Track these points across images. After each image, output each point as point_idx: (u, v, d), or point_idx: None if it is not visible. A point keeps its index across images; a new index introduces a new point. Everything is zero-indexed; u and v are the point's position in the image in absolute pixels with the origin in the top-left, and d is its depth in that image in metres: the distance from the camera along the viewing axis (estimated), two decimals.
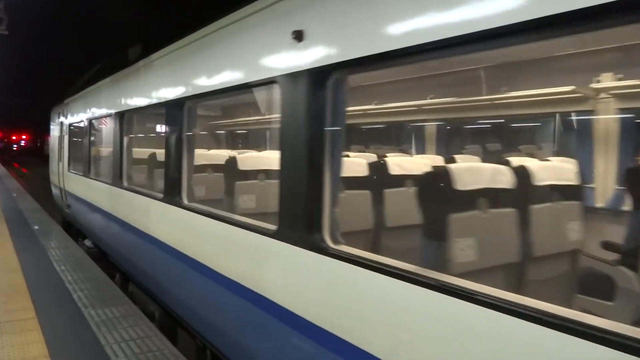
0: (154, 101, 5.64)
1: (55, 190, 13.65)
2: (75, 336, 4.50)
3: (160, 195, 5.19)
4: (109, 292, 5.83)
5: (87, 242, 9.36)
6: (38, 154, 73.10)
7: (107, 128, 8.32)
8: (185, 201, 4.67)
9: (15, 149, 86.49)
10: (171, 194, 4.89)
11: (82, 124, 9.88)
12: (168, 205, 4.95)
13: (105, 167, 8.24)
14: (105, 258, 8.06)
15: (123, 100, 6.96)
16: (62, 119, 12.39)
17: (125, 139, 6.88)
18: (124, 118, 6.82)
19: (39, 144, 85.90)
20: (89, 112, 9.29)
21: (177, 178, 4.74)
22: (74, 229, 10.89)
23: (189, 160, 4.76)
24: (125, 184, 6.68)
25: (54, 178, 13.82)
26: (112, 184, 7.09)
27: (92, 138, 9.16)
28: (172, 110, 4.95)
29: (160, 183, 5.62)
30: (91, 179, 8.76)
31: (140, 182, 7.05)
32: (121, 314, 5.07)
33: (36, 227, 9.92)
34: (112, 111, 7.31)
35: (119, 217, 6.73)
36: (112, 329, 4.67)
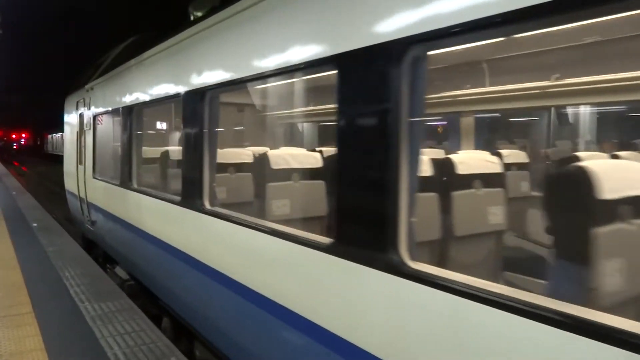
0: (309, 56, 2.89)
1: (72, 200, 10.56)
2: (70, 330, 4.58)
3: (323, 242, 2.74)
4: (104, 287, 5.92)
5: (121, 272, 7.15)
6: (37, 153, 73.31)
7: (168, 118, 6.44)
8: (411, 265, 2.22)
9: (15, 147, 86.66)
10: (361, 242, 2.45)
11: (117, 114, 7.06)
12: (351, 263, 2.50)
13: (164, 176, 6.25)
14: (145, 293, 6.16)
15: (205, 73, 4.26)
16: (82, 109, 9.44)
17: (208, 134, 4.18)
18: (206, 100, 4.17)
19: (38, 143, 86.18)
20: (129, 97, 6.45)
21: (382, 208, 2.30)
22: (100, 251, 8.49)
23: (411, 172, 2.27)
24: (206, 205, 4.15)
25: (70, 184, 10.76)
26: (181, 204, 4.59)
27: (135, 133, 6.38)
28: (365, 68, 2.40)
29: (304, 213, 3.95)
30: (134, 191, 6.15)
31: (246, 206, 4.61)
32: (116, 308, 5.15)
33: (34, 224, 10.00)
34: (181, 90, 4.65)
35: (194, 255, 4.38)
36: (107, 322, 4.76)
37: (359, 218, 2.45)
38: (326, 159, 4.66)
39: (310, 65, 2.88)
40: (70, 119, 11.00)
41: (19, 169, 40.50)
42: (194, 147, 4.29)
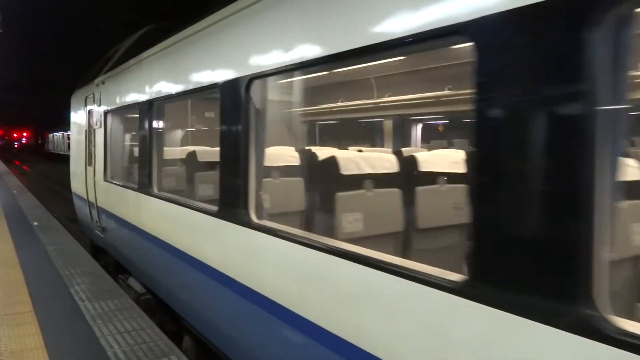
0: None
1: (79, 203, 9.75)
2: (71, 328, 4.59)
3: (447, 278, 2.03)
4: (104, 286, 5.93)
5: (135, 284, 6.49)
6: (38, 152, 73.46)
7: (197, 114, 5.82)
8: (617, 325, 1.48)
9: (16, 146, 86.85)
10: (520, 283, 1.74)
11: (133, 110, 6.31)
12: (502, 313, 1.77)
13: (192, 180, 5.56)
14: (163, 309, 5.59)
15: (255, 56, 3.44)
16: (92, 105, 8.49)
17: (255, 131, 3.45)
18: (252, 90, 3.45)
19: (39, 142, 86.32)
20: (149, 91, 5.65)
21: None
22: (110, 260, 7.86)
23: (610, 183, 1.60)
24: (253, 218, 3.44)
25: (77, 186, 9.94)
26: (219, 215, 3.86)
27: (156, 131, 5.60)
28: None
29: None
30: (155, 197, 5.35)
31: (307, 221, 3.90)
32: (116, 307, 5.16)
33: (35, 223, 10.03)
34: (217, 80, 3.92)
35: (234, 276, 3.69)
36: (107, 321, 4.77)
37: (519, 248, 1.70)
38: (406, 162, 3.90)
39: (426, 37, 2.08)
40: (78, 116, 10.08)
41: (20, 167, 40.57)
42: (236, 148, 3.53)
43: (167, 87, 5.19)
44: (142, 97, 5.85)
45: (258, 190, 3.46)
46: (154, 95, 5.48)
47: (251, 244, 3.44)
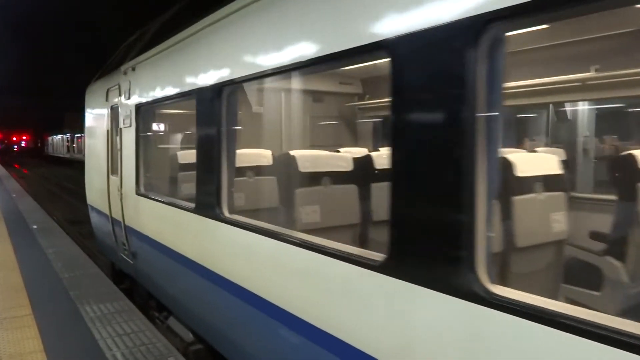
0: None
1: (98, 220, 7.96)
2: (70, 331, 4.60)
3: None
4: (103, 289, 5.94)
5: (179, 328, 4.99)
6: (38, 155, 73.52)
7: (315, 99, 4.45)
8: None
9: (15, 149, 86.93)
10: None
11: (188, 100, 4.46)
12: None
13: (297, 206, 3.80)
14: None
15: None
16: (117, 99, 6.66)
17: (487, 122, 1.81)
18: (483, 47, 1.76)
19: (39, 145, 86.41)
20: (219, 70, 3.85)
21: None
22: (141, 290, 6.22)
23: None
24: (486, 289, 1.78)
25: (95, 198, 8.17)
26: (391, 271, 2.16)
27: (229, 128, 3.77)
28: None
29: None
30: (230, 224, 3.66)
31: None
32: (115, 310, 5.18)
33: (34, 226, 10.04)
34: (387, 33, 2.16)
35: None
36: (107, 324, 4.78)
37: None
38: None
39: None
40: (95, 114, 8.15)
41: (20, 171, 40.58)
42: (423, 154, 2.01)
43: (255, 60, 3.37)
44: (203, 81, 4.07)
45: (487, 225, 1.86)
46: (226, 76, 3.72)
47: (479, 327, 1.82)
